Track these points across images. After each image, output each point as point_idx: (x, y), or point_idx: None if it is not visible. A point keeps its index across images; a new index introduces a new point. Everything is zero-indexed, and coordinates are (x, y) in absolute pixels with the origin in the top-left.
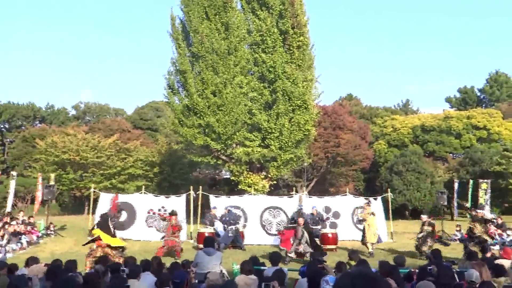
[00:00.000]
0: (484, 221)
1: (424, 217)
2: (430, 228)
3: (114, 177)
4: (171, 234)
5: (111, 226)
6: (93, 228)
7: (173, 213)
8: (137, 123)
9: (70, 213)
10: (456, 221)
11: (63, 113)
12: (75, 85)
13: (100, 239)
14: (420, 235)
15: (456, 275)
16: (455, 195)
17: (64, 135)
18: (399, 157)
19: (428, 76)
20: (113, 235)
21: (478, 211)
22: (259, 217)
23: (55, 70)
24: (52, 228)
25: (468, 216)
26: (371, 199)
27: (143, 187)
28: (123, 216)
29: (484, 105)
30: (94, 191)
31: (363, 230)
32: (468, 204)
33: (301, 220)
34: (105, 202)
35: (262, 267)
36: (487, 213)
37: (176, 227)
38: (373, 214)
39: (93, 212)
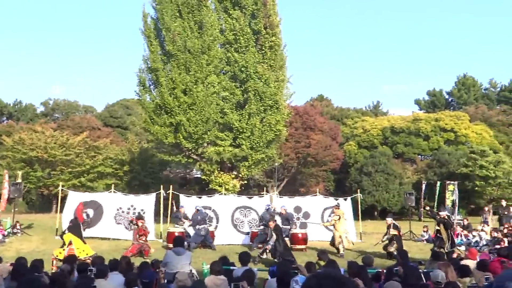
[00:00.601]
0: (448, 223)
1: (389, 220)
2: (395, 232)
3: (83, 175)
4: (137, 237)
5: (82, 232)
6: (64, 233)
7: (139, 217)
8: (107, 120)
9: (37, 212)
10: (423, 222)
11: (31, 109)
12: (44, 81)
13: (71, 244)
14: (384, 238)
15: (422, 276)
16: (423, 196)
17: (32, 132)
18: (368, 158)
19: (398, 78)
20: (84, 241)
21: (441, 213)
22: (230, 216)
23: (24, 65)
24: (18, 227)
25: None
26: (341, 199)
27: (113, 185)
28: (90, 214)
29: (452, 107)
30: (62, 189)
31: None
32: (435, 206)
33: (272, 223)
34: (73, 201)
35: (232, 267)
36: (455, 215)
37: (142, 231)
38: (339, 219)
39: (61, 211)
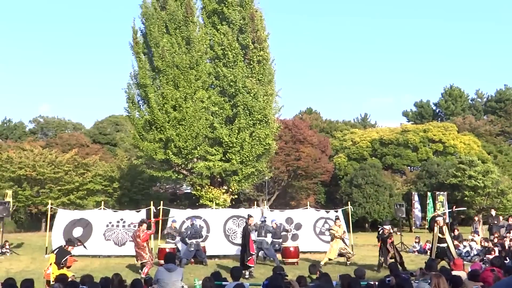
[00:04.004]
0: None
1: (387, 228)
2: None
3: (72, 192)
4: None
5: (62, 262)
6: (52, 252)
7: (142, 221)
8: (96, 137)
9: (26, 230)
10: (415, 233)
11: (19, 128)
12: (32, 100)
13: (50, 267)
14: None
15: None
16: (416, 207)
17: (20, 150)
18: (358, 170)
19: (385, 90)
20: (61, 267)
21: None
22: (223, 226)
23: (12, 84)
24: (7, 246)
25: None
26: (331, 212)
27: (102, 202)
28: (79, 232)
29: (439, 119)
30: (51, 208)
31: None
32: (427, 217)
33: (251, 220)
34: (62, 219)
35: (224, 283)
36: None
37: (146, 234)
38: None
39: (50, 229)
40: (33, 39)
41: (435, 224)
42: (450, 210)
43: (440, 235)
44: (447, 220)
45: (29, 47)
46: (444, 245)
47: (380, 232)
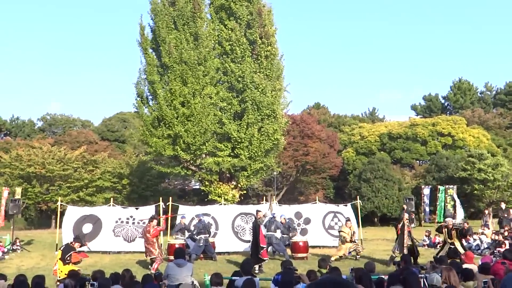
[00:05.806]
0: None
1: (407, 215)
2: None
3: (81, 189)
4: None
5: (66, 258)
6: (61, 247)
7: (153, 218)
8: (105, 134)
9: (36, 227)
10: (424, 227)
11: (28, 125)
12: (41, 98)
13: (57, 263)
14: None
15: (425, 280)
16: (426, 201)
17: (29, 148)
18: (367, 164)
19: (394, 84)
20: (67, 263)
21: (447, 219)
22: (231, 223)
23: (20, 82)
24: (18, 243)
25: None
26: (341, 205)
27: (112, 199)
28: (88, 228)
29: (448, 112)
30: (61, 204)
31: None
32: (439, 211)
33: (260, 214)
34: (72, 216)
35: (234, 277)
36: (458, 218)
37: (156, 230)
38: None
39: (60, 226)
40: (41, 37)
41: (444, 228)
42: (461, 222)
43: (449, 239)
44: (455, 223)
45: (37, 45)
46: (453, 246)
47: (400, 216)
